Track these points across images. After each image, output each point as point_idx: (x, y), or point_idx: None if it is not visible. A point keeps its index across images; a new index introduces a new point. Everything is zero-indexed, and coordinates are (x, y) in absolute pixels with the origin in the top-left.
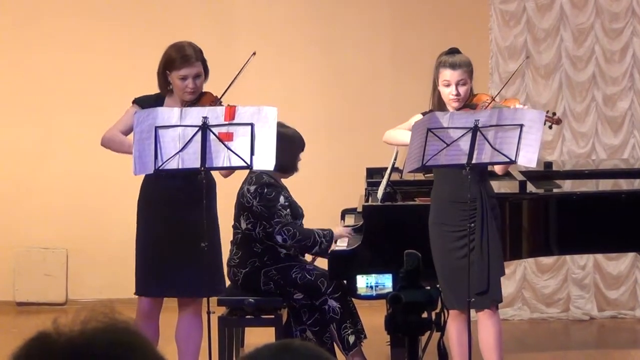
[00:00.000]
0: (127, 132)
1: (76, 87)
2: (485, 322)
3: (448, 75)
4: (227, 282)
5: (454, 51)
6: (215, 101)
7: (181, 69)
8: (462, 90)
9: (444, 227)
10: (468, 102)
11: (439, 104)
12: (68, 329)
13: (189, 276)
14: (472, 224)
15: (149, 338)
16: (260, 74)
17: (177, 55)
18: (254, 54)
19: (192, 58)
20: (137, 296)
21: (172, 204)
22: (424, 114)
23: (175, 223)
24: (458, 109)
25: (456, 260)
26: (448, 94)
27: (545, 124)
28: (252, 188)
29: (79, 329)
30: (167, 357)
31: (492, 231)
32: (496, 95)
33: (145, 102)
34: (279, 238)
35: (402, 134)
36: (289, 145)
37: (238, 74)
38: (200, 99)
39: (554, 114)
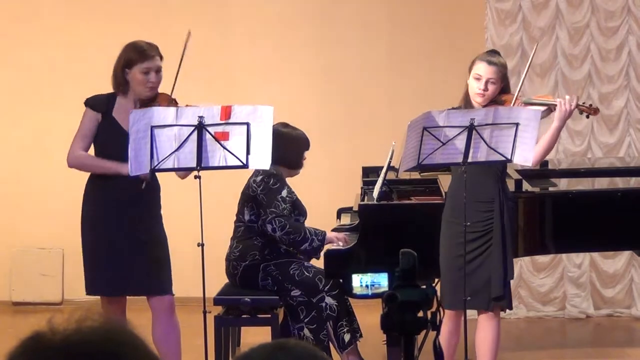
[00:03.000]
0: (90, 138)
1: (72, 86)
2: (484, 324)
3: (482, 69)
4: (219, 280)
5: (494, 52)
6: (170, 100)
7: (144, 62)
8: (490, 88)
9: (454, 225)
10: (495, 100)
11: (466, 100)
12: (63, 328)
13: (136, 274)
14: (468, 223)
15: (144, 337)
16: (256, 73)
17: (139, 51)
18: (190, 33)
19: (154, 52)
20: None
21: (117, 205)
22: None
23: (120, 223)
24: (483, 106)
25: (462, 260)
26: (476, 87)
27: (582, 113)
28: (259, 178)
29: (74, 328)
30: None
31: (508, 234)
32: (518, 91)
33: (97, 103)
34: (269, 227)
35: None
36: (294, 144)
37: (181, 60)
38: (155, 98)
39: (591, 105)
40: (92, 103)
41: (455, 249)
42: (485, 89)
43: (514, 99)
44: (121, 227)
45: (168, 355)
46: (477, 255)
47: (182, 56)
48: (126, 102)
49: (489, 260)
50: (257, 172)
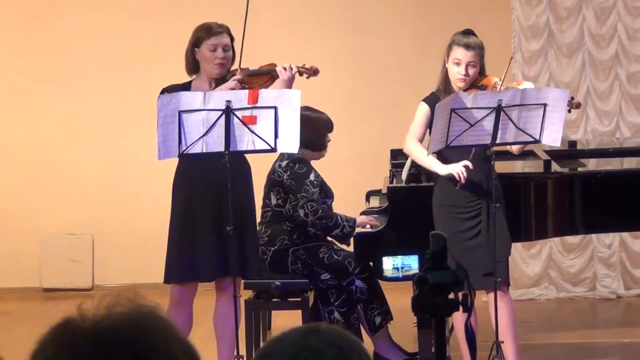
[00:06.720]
0: None
1: (103, 70)
2: (498, 304)
3: (460, 54)
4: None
5: (469, 32)
6: (244, 71)
7: (210, 38)
8: (471, 71)
9: (452, 208)
10: (476, 84)
11: (445, 83)
12: (92, 314)
13: (221, 260)
14: (497, 204)
15: (173, 323)
16: (283, 56)
17: (206, 28)
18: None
19: (220, 29)
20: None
21: (205, 187)
22: (425, 100)
23: (210, 206)
24: (464, 90)
25: (465, 241)
26: (456, 72)
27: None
28: (284, 163)
29: (104, 314)
30: (197, 340)
31: (498, 212)
32: (504, 77)
33: (173, 89)
34: (301, 212)
35: (420, 156)
36: (317, 126)
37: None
38: (227, 75)
39: (573, 98)
40: (169, 89)
41: (449, 233)
42: (467, 74)
43: (500, 84)
44: (208, 211)
45: (224, 337)
46: (473, 236)
47: (245, 24)
48: (201, 84)
49: (482, 240)
50: (282, 157)
